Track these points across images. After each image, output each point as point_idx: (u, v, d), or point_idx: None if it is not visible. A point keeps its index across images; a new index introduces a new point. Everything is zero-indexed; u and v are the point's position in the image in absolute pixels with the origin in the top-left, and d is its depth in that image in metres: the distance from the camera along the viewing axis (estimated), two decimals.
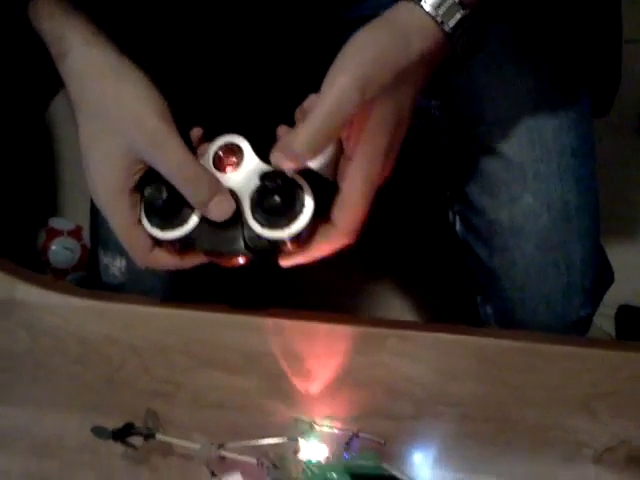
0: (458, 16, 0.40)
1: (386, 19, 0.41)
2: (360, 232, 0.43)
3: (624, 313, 1.02)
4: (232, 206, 0.42)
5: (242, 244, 0.43)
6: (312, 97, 0.42)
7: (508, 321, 0.60)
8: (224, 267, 0.46)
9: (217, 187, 0.43)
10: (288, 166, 0.41)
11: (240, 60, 0.60)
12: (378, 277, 1.01)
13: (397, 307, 1.01)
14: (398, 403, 0.45)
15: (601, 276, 0.61)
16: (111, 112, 0.43)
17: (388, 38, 0.40)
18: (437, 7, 0.39)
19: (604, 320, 0.98)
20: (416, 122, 0.63)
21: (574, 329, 0.59)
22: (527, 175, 0.56)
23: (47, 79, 0.48)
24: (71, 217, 1.17)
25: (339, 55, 0.40)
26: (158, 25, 0.56)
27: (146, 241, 0.45)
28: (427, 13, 0.39)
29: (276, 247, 0.43)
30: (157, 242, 0.45)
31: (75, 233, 1.16)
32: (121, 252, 0.62)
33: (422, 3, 0.40)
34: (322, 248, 0.43)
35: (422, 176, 0.69)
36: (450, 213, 0.64)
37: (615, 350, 0.43)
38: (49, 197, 1.19)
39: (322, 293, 0.96)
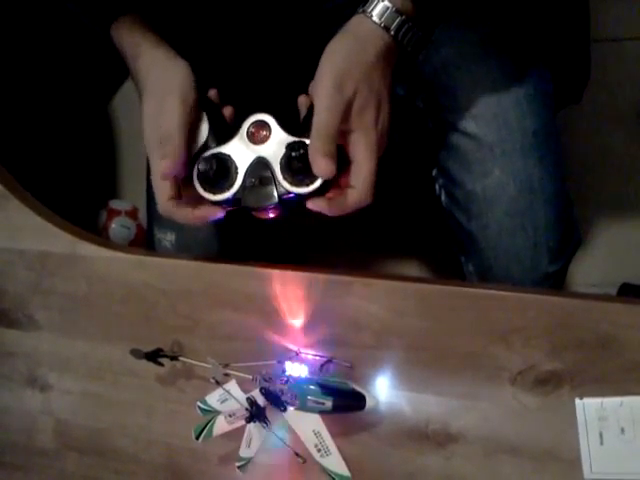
0: (398, 21, 0.50)
1: (345, 30, 0.52)
2: (374, 192, 0.51)
3: (626, 291, 1.05)
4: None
5: (276, 199, 0.52)
6: (311, 84, 0.52)
7: (487, 277, 0.67)
8: (260, 219, 0.55)
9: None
10: (328, 175, 0.50)
11: (253, 48, 0.72)
12: (380, 240, 1.12)
13: (396, 264, 1.12)
14: (361, 335, 0.54)
15: (567, 238, 0.67)
16: (158, 91, 0.56)
17: (349, 45, 0.51)
18: (381, 16, 0.50)
19: None
20: (405, 113, 0.73)
21: (545, 283, 0.66)
22: (495, 153, 0.63)
23: (109, 77, 0.62)
24: (128, 199, 1.28)
25: (318, 67, 0.51)
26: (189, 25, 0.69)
27: (169, 189, 0.55)
28: (373, 22, 0.50)
29: (302, 200, 0.53)
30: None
31: (132, 213, 1.26)
32: (171, 228, 0.73)
33: (370, 14, 0.50)
34: (348, 207, 0.51)
35: (413, 157, 0.76)
36: (436, 187, 0.71)
37: (526, 293, 0.50)
38: (110, 182, 1.30)
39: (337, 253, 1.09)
